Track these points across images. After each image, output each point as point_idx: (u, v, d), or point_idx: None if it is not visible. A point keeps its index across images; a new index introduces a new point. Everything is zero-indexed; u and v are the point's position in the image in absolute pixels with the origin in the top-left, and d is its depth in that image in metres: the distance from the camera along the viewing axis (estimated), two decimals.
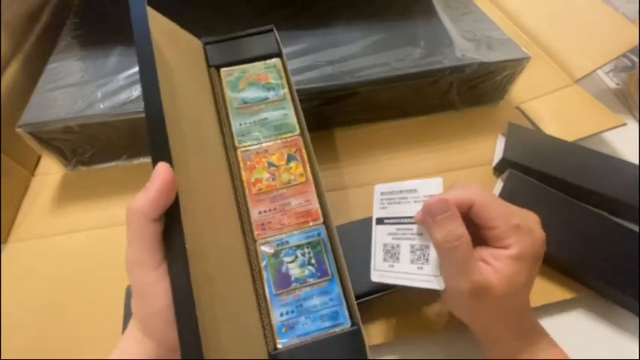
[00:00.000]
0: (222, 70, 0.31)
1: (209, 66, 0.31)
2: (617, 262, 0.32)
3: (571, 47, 0.52)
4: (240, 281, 0.25)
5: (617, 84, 0.54)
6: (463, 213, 0.24)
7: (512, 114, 0.47)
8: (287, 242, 0.26)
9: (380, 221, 0.28)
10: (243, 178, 0.28)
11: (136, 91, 0.38)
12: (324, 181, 0.28)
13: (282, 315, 0.25)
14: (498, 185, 0.39)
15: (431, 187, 0.25)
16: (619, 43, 0.47)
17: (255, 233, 0.26)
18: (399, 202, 0.27)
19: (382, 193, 0.28)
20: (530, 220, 0.25)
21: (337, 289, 0.25)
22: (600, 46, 0.49)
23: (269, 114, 0.30)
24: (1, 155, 0.37)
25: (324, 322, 0.25)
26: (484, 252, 0.24)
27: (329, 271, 0.26)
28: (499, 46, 0.44)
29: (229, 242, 0.25)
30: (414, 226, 0.26)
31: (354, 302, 0.25)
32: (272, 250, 0.26)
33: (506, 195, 0.36)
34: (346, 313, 0.25)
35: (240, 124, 0.29)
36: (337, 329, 0.24)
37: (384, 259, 0.27)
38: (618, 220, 0.34)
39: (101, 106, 0.37)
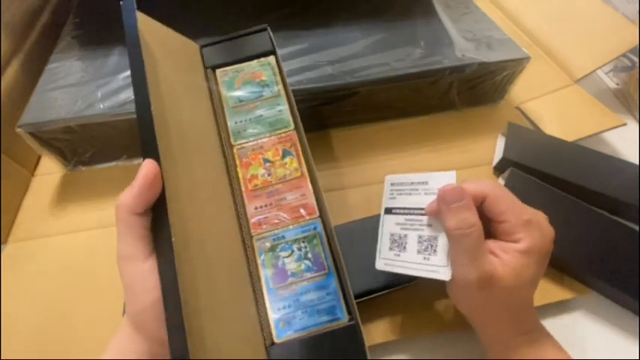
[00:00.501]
0: (218, 70, 0.32)
1: (206, 68, 0.31)
2: (617, 261, 0.32)
3: (571, 47, 0.52)
4: (237, 276, 0.25)
5: (617, 84, 0.54)
6: (475, 206, 0.24)
7: (512, 114, 0.47)
8: (283, 237, 0.26)
9: (388, 211, 0.28)
10: (240, 175, 0.28)
11: None
12: (324, 181, 0.28)
13: (279, 310, 0.25)
14: None
15: (444, 180, 0.25)
16: (619, 43, 0.47)
17: (252, 229, 0.27)
18: (410, 194, 0.27)
19: (392, 184, 0.28)
20: (539, 216, 0.25)
21: (334, 283, 0.25)
22: (600, 46, 0.49)
23: (264, 111, 0.30)
24: (1, 155, 0.37)
25: (321, 316, 0.24)
26: (493, 245, 0.24)
27: (325, 265, 0.26)
28: (499, 46, 0.43)
29: (226, 238, 0.25)
30: (424, 218, 0.26)
31: (353, 297, 0.24)
32: (268, 245, 0.26)
33: None
34: (343, 307, 0.25)
35: (236, 123, 0.30)
36: (334, 324, 0.24)
37: (390, 248, 0.27)
38: (618, 220, 0.34)
39: (101, 106, 0.37)
